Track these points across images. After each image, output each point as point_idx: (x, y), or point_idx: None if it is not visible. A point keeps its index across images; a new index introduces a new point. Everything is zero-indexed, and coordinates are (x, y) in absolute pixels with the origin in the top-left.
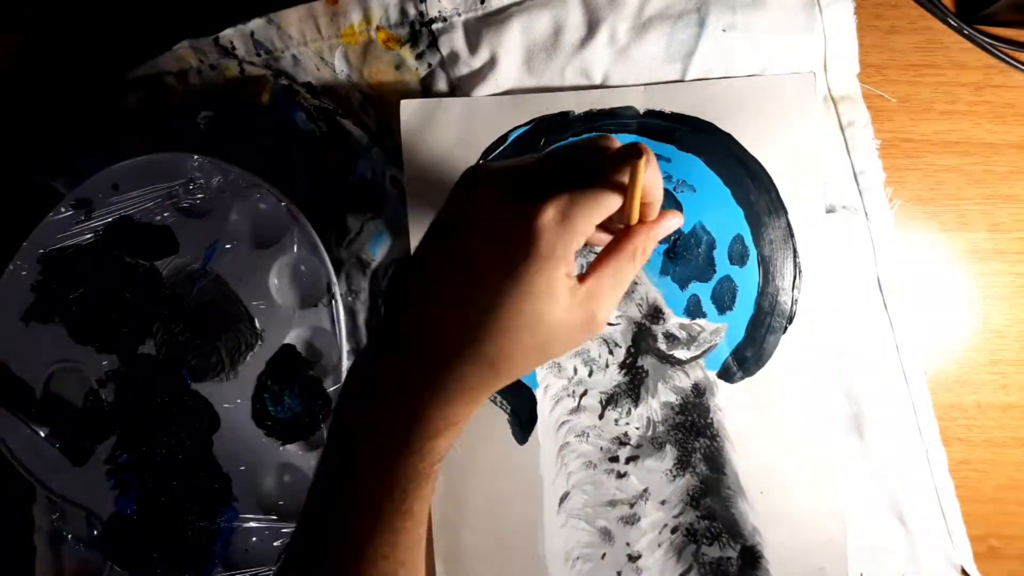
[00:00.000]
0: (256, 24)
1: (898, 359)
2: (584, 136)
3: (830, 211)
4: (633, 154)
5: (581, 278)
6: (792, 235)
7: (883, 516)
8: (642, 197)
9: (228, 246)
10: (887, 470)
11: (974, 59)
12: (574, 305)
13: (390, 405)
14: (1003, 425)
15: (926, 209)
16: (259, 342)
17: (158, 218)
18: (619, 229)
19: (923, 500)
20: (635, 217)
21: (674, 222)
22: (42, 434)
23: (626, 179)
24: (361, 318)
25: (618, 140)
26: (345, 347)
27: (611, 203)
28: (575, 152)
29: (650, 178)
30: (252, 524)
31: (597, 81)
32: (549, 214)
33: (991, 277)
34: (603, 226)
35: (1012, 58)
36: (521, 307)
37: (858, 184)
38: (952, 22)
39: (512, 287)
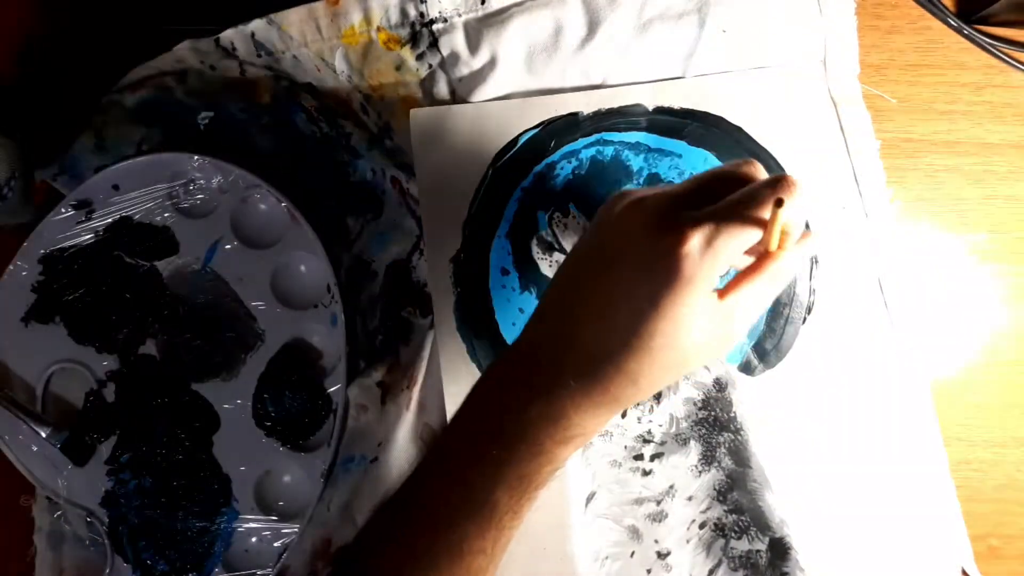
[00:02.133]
0: (257, 25)
1: (899, 361)
2: (730, 162)
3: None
4: (778, 190)
5: (720, 293)
6: (807, 226)
7: (883, 517)
8: (783, 228)
9: (228, 246)
10: (887, 471)
11: (974, 59)
12: (714, 323)
13: (534, 404)
14: (1003, 425)
15: (926, 209)
16: (259, 342)
17: (158, 218)
18: (759, 251)
19: (923, 501)
20: (775, 245)
21: (812, 246)
22: (43, 434)
23: (767, 212)
24: (361, 319)
25: (761, 168)
26: (345, 347)
27: (754, 234)
28: (719, 178)
29: (792, 212)
30: (252, 524)
31: (597, 81)
32: (694, 243)
33: (991, 277)
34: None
35: (1012, 58)
36: (664, 330)
37: (858, 185)
38: (952, 22)
39: (655, 313)
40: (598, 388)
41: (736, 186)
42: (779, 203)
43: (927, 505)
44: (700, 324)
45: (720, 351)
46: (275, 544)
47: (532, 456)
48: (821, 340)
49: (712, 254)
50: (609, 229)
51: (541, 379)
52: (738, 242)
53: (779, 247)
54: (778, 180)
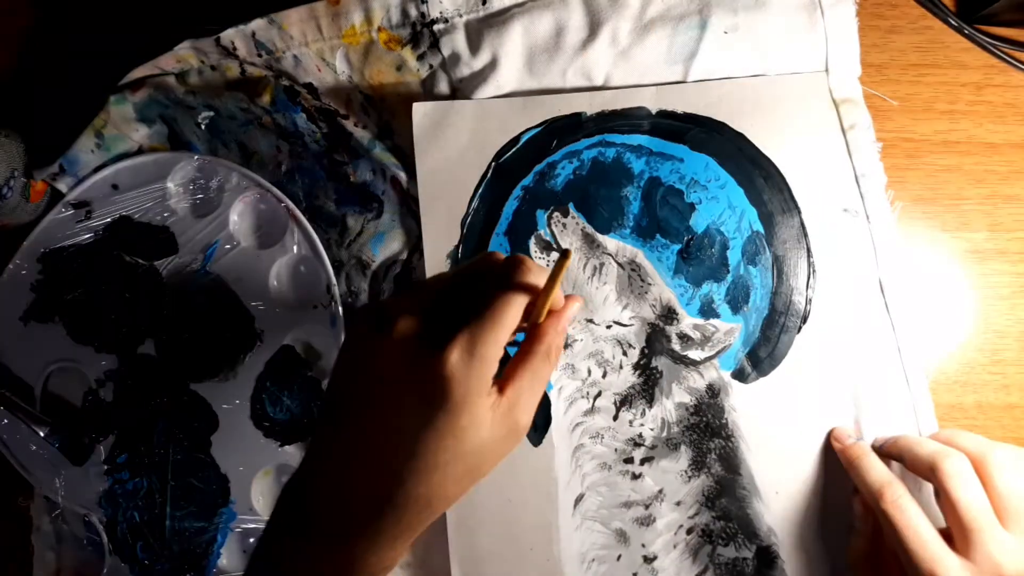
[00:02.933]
0: (257, 25)
1: (900, 361)
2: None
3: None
4: (518, 271)
5: (500, 385)
6: (806, 234)
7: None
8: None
9: (228, 246)
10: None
11: (974, 59)
12: (498, 420)
13: (322, 558)
14: (1003, 425)
15: (927, 209)
16: (258, 342)
17: (158, 218)
18: (523, 326)
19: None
20: (543, 313)
21: (575, 308)
22: (41, 434)
23: (522, 287)
24: None
25: (501, 253)
26: None
27: (511, 320)
28: (466, 273)
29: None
30: (250, 525)
31: (599, 83)
32: (454, 357)
33: (991, 277)
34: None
35: (1012, 58)
36: (446, 445)
37: (859, 186)
38: (952, 22)
39: (433, 432)
40: (391, 523)
41: (481, 278)
42: (566, 254)
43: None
44: (485, 427)
45: (512, 443)
46: None
47: None
48: (817, 348)
49: (478, 359)
50: (369, 357)
51: (325, 530)
52: (499, 336)
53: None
54: (514, 262)
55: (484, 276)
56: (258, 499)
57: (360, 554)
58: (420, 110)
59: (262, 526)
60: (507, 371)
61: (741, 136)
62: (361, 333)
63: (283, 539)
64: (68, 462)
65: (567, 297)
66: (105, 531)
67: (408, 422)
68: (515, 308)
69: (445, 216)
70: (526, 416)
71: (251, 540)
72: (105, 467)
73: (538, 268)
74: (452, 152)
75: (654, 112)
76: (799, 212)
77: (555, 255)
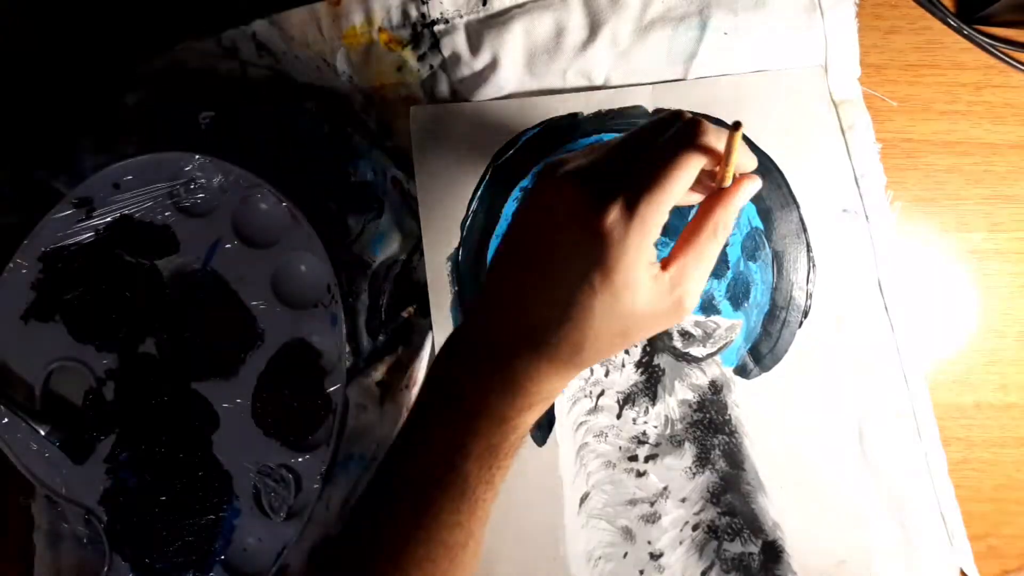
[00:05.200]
0: (258, 25)
1: (899, 361)
2: (651, 118)
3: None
4: (690, 133)
5: (664, 263)
6: (805, 229)
7: (882, 518)
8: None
9: (228, 246)
10: (887, 472)
11: (974, 59)
12: (658, 293)
13: (488, 374)
14: (1002, 425)
15: (926, 209)
16: (259, 342)
17: (159, 217)
18: (710, 187)
19: (922, 502)
20: (728, 178)
21: (752, 186)
22: (42, 432)
23: (696, 152)
24: (361, 319)
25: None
26: (345, 347)
27: (678, 184)
28: (642, 136)
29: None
30: (252, 523)
31: (599, 83)
32: (614, 214)
33: (991, 277)
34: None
35: (1012, 58)
36: (599, 304)
37: (859, 187)
38: (952, 22)
39: (588, 288)
40: (546, 357)
41: (657, 140)
42: (736, 126)
43: (926, 505)
44: (642, 295)
45: (670, 321)
46: (275, 543)
47: (495, 425)
48: (819, 343)
49: (638, 221)
50: (537, 210)
51: (494, 352)
52: (662, 201)
53: (723, 185)
54: (691, 122)
55: (659, 135)
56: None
57: (519, 378)
58: (418, 114)
59: (263, 525)
60: (674, 248)
61: None
62: (537, 184)
63: (452, 360)
64: (69, 461)
65: (741, 176)
66: (105, 530)
67: (569, 272)
68: (683, 171)
69: (445, 219)
70: (691, 295)
71: (252, 539)
72: (106, 466)
73: (716, 131)
74: (450, 155)
75: (651, 110)
76: (798, 207)
77: None
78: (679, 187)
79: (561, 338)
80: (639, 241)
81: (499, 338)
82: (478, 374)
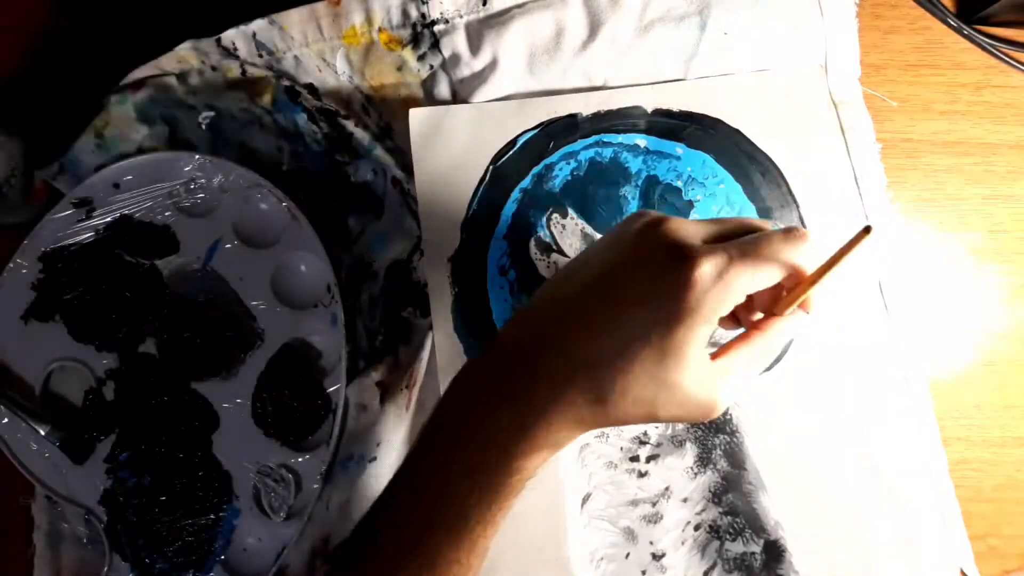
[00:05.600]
0: (258, 25)
1: (899, 362)
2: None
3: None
4: (794, 237)
5: (713, 355)
6: (804, 228)
7: (882, 518)
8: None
9: (228, 246)
10: (887, 472)
11: (974, 59)
12: (700, 380)
13: (500, 415)
14: (1002, 425)
15: (926, 209)
16: (259, 341)
17: (159, 217)
18: (750, 321)
19: (922, 502)
20: (792, 307)
21: (805, 320)
22: (42, 432)
23: (794, 258)
24: (361, 319)
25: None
26: (345, 347)
27: (769, 275)
28: (736, 223)
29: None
30: (252, 523)
31: (599, 83)
32: (706, 269)
33: (991, 277)
34: (733, 317)
35: (1012, 58)
36: (648, 356)
37: (859, 187)
38: (952, 22)
39: (647, 335)
40: (569, 403)
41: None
42: (867, 230)
43: (926, 505)
44: (689, 371)
45: (694, 415)
46: (275, 544)
47: (501, 465)
48: (819, 342)
49: (723, 285)
50: (624, 243)
51: (513, 383)
52: (754, 278)
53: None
54: (797, 233)
55: (756, 232)
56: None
57: (534, 421)
58: (417, 116)
59: (263, 525)
60: (728, 345)
61: (737, 132)
62: (629, 220)
63: (468, 389)
64: (69, 461)
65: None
66: (106, 530)
67: (631, 314)
68: (775, 273)
69: (445, 220)
70: (725, 395)
71: (252, 539)
72: (106, 466)
73: (813, 252)
74: (450, 157)
75: (650, 111)
76: (797, 207)
77: (556, 257)
78: (767, 277)
79: (593, 382)
80: (714, 306)
81: (522, 367)
82: (491, 407)
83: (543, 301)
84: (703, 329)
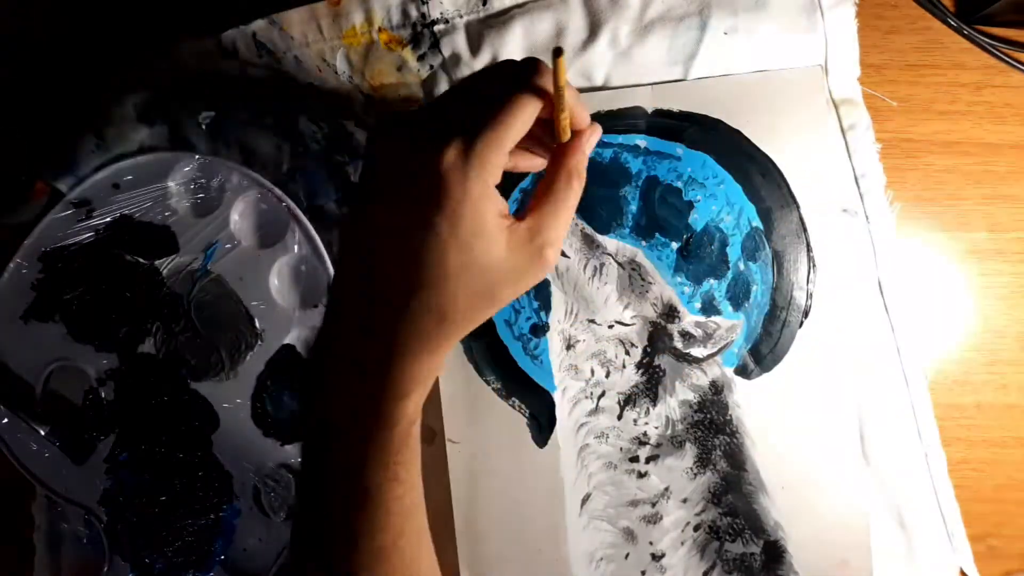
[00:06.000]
0: (258, 25)
1: (899, 362)
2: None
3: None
4: (530, 70)
5: (520, 216)
6: (805, 229)
7: (882, 518)
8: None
9: (228, 246)
10: (887, 472)
11: (974, 59)
12: (516, 244)
13: (352, 380)
14: (1002, 425)
15: (926, 209)
16: (259, 342)
17: (158, 217)
18: (552, 149)
19: (922, 502)
20: (566, 130)
21: (595, 136)
22: (41, 432)
23: (531, 91)
24: None
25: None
26: None
27: (516, 124)
28: (475, 80)
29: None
30: (252, 523)
31: (599, 83)
32: (450, 156)
33: (991, 277)
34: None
35: (1012, 58)
36: (453, 255)
37: (859, 187)
38: (952, 22)
39: (435, 237)
40: (410, 335)
41: (491, 86)
42: (558, 52)
43: (926, 505)
44: (497, 245)
45: (533, 276)
46: (275, 543)
47: (377, 426)
48: (819, 342)
49: (476, 161)
50: (374, 161)
51: (351, 348)
52: (500, 140)
53: (567, 137)
54: (526, 63)
55: (493, 81)
56: (259, 498)
57: (387, 369)
58: None
59: (263, 525)
60: (530, 202)
61: (738, 133)
62: (369, 139)
63: (319, 372)
64: (69, 461)
65: (582, 131)
66: (105, 530)
67: (412, 225)
68: (522, 112)
69: None
70: (551, 246)
71: (252, 539)
72: (106, 466)
73: (549, 71)
74: None
75: (650, 111)
76: (797, 207)
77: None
78: (517, 126)
79: (422, 306)
80: (481, 183)
81: (353, 331)
82: (341, 382)
83: (341, 252)
84: (484, 205)
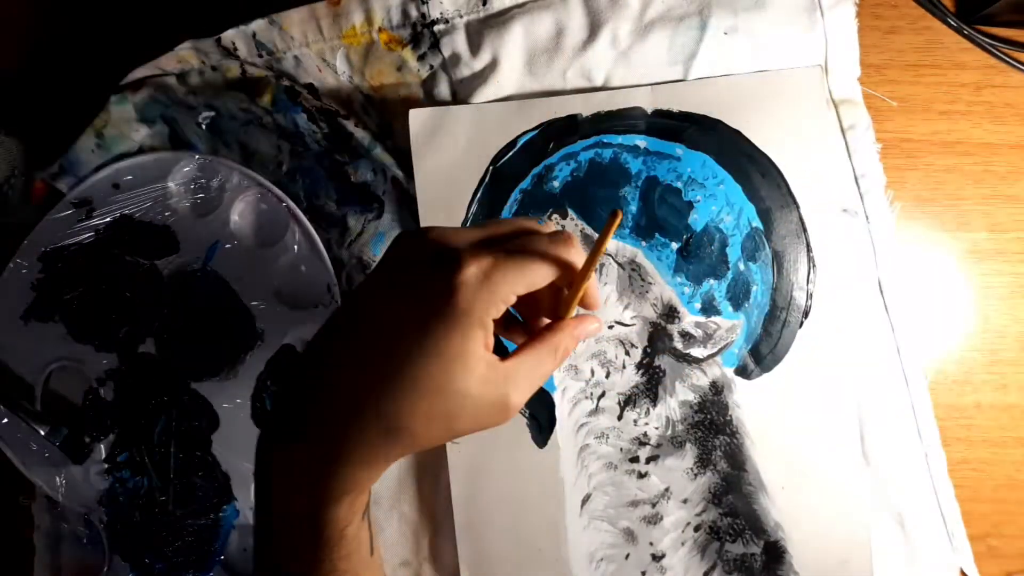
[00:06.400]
0: (258, 25)
1: (899, 362)
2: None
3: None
4: (562, 239)
5: (502, 358)
6: (805, 229)
7: (882, 518)
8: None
9: (228, 246)
10: (887, 472)
11: (974, 59)
12: (489, 381)
13: (290, 479)
14: (1002, 425)
15: (926, 209)
16: (259, 342)
17: (159, 217)
18: (540, 327)
19: (922, 502)
20: (573, 309)
21: (595, 327)
22: (41, 432)
23: (561, 255)
24: None
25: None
26: None
27: (536, 274)
28: (506, 225)
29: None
30: (252, 523)
31: (599, 83)
32: (470, 271)
33: (991, 277)
34: (522, 328)
35: (1012, 58)
36: (429, 369)
37: (859, 187)
38: (952, 22)
39: (423, 346)
40: (351, 445)
41: (519, 235)
42: (615, 214)
43: (926, 506)
44: (474, 375)
45: (491, 419)
46: None
47: (312, 529)
48: (819, 342)
49: (490, 286)
50: (387, 263)
51: (299, 449)
52: (519, 279)
53: (567, 317)
54: (560, 235)
55: (522, 232)
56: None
57: (322, 473)
58: (417, 117)
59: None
60: (515, 350)
61: (737, 133)
62: (395, 239)
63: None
64: (69, 461)
65: (585, 317)
66: (105, 530)
67: (403, 335)
68: (543, 272)
69: (444, 221)
70: (517, 396)
71: (252, 539)
72: (106, 466)
73: (580, 252)
74: (450, 157)
75: (650, 112)
76: (797, 207)
77: None
78: (534, 281)
79: (376, 416)
80: (484, 311)
81: (300, 429)
82: (283, 480)
83: (314, 343)
84: (478, 332)
